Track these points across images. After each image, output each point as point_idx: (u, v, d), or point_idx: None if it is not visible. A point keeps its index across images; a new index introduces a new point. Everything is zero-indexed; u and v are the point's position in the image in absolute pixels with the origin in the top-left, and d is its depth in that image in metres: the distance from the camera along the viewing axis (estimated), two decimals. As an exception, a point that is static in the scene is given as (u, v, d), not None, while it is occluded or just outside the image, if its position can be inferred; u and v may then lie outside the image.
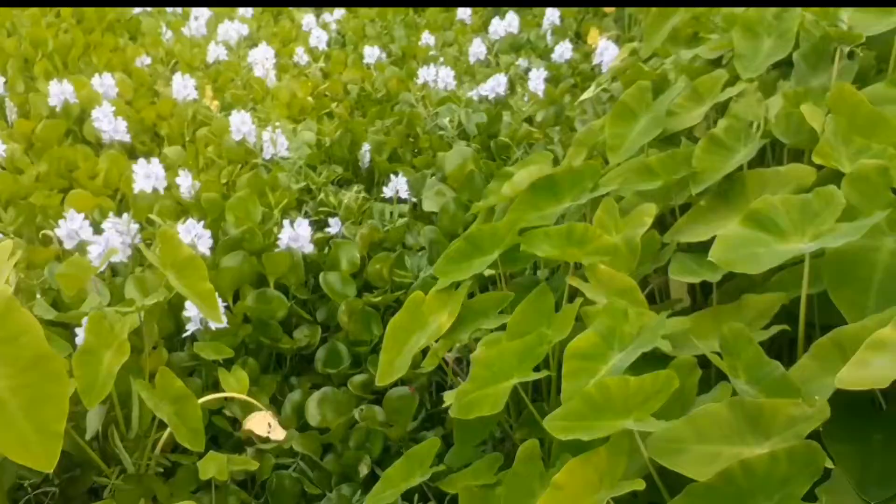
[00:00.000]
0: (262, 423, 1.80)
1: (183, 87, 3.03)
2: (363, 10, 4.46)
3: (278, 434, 1.78)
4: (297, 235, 2.21)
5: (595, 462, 0.94)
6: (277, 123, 2.92)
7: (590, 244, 1.38)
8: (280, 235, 2.22)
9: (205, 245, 2.08)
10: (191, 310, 1.91)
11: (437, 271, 1.56)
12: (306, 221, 2.25)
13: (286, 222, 2.23)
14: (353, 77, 3.55)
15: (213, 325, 1.91)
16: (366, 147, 2.81)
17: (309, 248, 2.23)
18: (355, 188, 2.60)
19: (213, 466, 1.65)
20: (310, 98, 3.32)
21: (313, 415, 1.87)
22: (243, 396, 1.83)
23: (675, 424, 0.91)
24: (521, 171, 1.63)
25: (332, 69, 3.71)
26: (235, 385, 1.86)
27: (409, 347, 1.51)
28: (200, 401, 1.77)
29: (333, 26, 4.30)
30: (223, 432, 1.82)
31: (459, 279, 1.51)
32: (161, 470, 1.67)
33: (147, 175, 2.37)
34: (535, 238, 1.45)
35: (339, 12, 4.43)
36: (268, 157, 2.74)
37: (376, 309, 2.10)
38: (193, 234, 2.08)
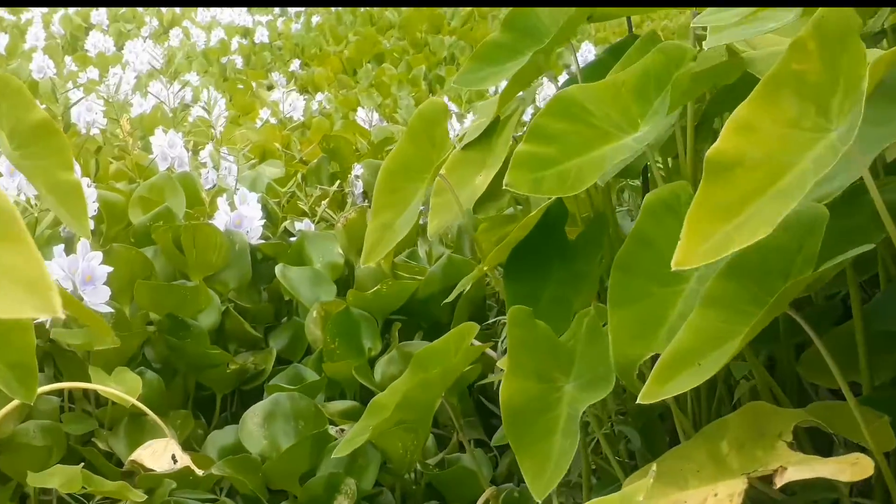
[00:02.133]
0: (163, 455, 1.46)
1: (86, 109, 2.93)
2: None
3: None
4: (240, 216, 1.95)
5: None
6: (225, 150, 2.78)
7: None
8: (213, 219, 1.98)
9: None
10: (53, 269, 1.58)
11: (461, 80, 1.30)
12: (255, 197, 2.01)
13: (221, 200, 2.01)
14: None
15: (91, 306, 1.58)
16: (357, 169, 2.63)
17: (257, 235, 2.01)
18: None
19: (59, 477, 1.26)
20: (277, 145, 3.22)
21: (254, 437, 1.51)
22: (124, 396, 1.47)
23: None
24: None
25: (313, 136, 3.67)
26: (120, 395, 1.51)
27: (414, 204, 1.29)
28: (42, 389, 1.43)
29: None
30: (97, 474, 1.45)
31: (495, 83, 1.33)
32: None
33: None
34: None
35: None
36: (209, 185, 2.56)
37: (372, 316, 1.81)
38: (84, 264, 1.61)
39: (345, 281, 2.03)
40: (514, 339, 1.03)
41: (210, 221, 1.96)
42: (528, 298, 1.18)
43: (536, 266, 1.22)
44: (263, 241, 2.05)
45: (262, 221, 2.03)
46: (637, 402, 0.81)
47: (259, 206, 2.03)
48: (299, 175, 2.67)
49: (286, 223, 2.29)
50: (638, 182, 1.72)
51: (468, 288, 1.47)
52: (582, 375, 1.01)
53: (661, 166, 1.45)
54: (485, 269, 1.25)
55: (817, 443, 1.00)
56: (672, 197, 0.97)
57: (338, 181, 2.65)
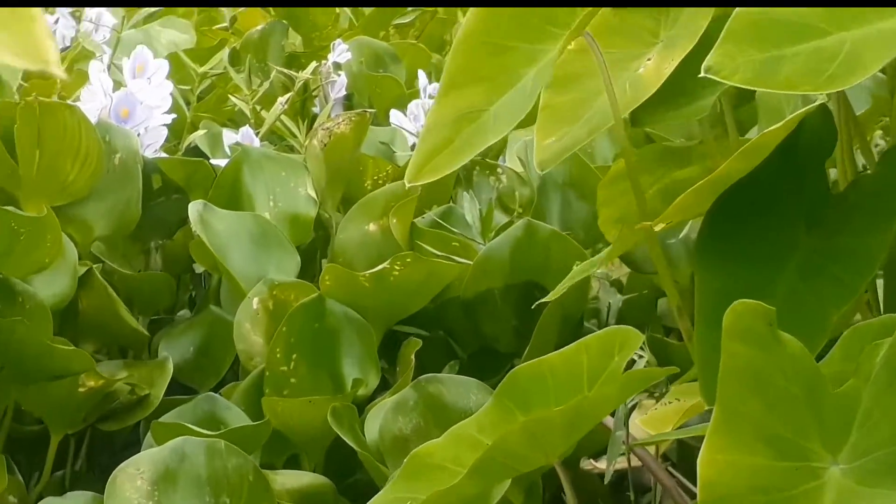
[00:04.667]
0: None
1: None
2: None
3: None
4: (129, 100, 2.05)
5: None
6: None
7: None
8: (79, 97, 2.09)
9: None
10: None
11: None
12: (163, 66, 2.15)
13: (95, 66, 2.16)
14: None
15: None
16: (340, 50, 2.79)
17: (160, 142, 2.10)
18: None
19: None
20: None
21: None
22: None
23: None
24: None
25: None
26: None
27: (531, 80, 1.32)
28: None
29: None
30: None
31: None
32: None
33: None
34: None
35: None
36: (63, 45, 2.76)
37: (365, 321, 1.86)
38: None
39: (314, 248, 2.09)
40: (734, 367, 0.96)
41: (72, 102, 1.99)
42: (740, 293, 1.13)
43: (763, 233, 1.26)
44: (166, 157, 2.07)
45: (171, 117, 2.08)
46: None
47: (169, 84, 2.09)
48: (226, 51, 2.76)
49: (196, 134, 2.35)
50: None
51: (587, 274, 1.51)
52: (869, 450, 0.95)
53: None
54: (659, 227, 1.25)
55: None
56: None
57: (300, 70, 2.71)
